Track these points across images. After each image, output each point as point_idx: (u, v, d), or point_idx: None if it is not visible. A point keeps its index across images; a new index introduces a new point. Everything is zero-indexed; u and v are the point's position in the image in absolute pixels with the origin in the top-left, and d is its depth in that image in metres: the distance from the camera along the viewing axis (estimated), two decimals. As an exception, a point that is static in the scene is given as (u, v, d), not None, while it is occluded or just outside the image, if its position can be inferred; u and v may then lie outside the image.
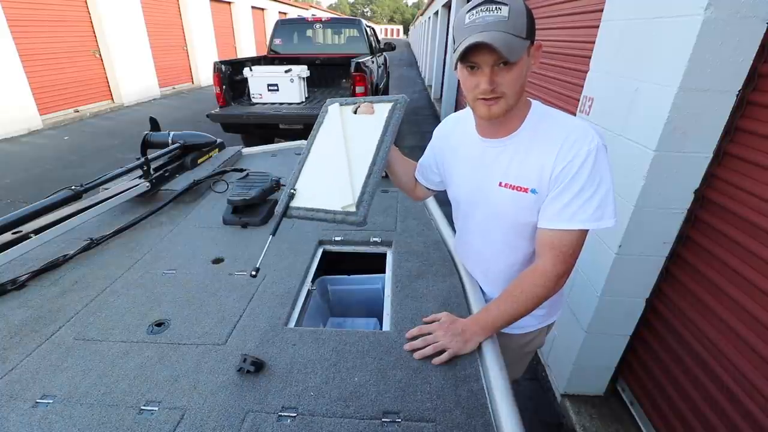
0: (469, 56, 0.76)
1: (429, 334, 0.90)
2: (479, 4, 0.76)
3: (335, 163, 1.01)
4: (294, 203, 1.01)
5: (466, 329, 0.89)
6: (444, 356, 0.84)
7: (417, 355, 0.86)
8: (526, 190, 0.87)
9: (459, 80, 0.87)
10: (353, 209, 0.94)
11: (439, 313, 0.96)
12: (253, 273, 0.93)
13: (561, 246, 0.85)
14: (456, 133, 1.04)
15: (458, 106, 7.71)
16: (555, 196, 0.84)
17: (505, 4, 0.74)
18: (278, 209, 1.01)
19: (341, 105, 1.11)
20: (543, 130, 0.86)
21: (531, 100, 0.90)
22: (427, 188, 1.19)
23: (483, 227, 1.01)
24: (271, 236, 0.98)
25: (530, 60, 0.81)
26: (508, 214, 0.93)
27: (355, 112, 1.08)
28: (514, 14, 0.74)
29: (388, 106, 1.05)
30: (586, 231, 0.85)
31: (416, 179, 1.19)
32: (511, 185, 0.89)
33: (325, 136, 1.08)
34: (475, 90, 0.80)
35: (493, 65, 0.76)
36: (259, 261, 0.95)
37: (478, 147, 0.95)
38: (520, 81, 0.79)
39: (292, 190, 1.02)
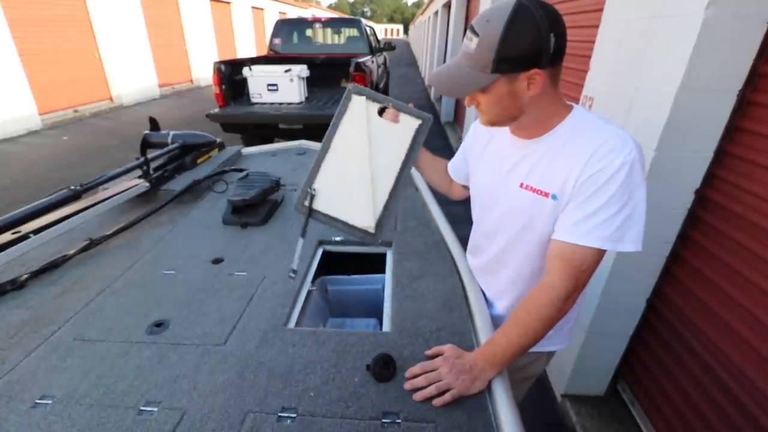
0: None
1: (432, 371, 0.80)
2: (469, 26, 0.78)
3: (356, 169, 1.00)
4: (315, 205, 1.00)
5: (473, 366, 0.79)
6: (447, 397, 0.75)
7: (418, 396, 0.76)
8: (546, 195, 0.83)
9: None
10: (372, 231, 0.98)
11: (444, 345, 0.86)
12: (292, 275, 0.99)
13: (573, 260, 0.78)
14: (491, 128, 0.99)
15: (458, 106, 7.71)
16: (576, 206, 0.78)
17: (478, 35, 0.74)
18: (298, 207, 1.01)
19: (367, 99, 1.02)
20: (579, 135, 0.81)
21: (573, 105, 0.85)
22: (463, 186, 1.16)
23: (495, 229, 0.98)
24: (301, 239, 1.00)
25: (519, 85, 0.76)
26: (522, 218, 0.88)
27: (380, 114, 1.02)
28: (480, 48, 0.73)
29: (415, 122, 1.01)
30: (604, 250, 0.78)
31: (451, 177, 1.18)
32: (532, 187, 0.85)
33: (347, 131, 1.03)
34: None
35: None
36: (296, 263, 0.99)
37: (509, 145, 0.92)
38: (499, 105, 0.80)
39: (311, 190, 1.00)
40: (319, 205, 1.01)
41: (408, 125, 1.01)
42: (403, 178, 1.00)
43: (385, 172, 1.00)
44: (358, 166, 1.00)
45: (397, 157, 1.01)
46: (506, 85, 0.77)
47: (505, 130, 0.94)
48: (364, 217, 0.98)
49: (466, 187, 1.16)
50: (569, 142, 0.81)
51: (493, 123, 0.86)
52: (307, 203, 1.00)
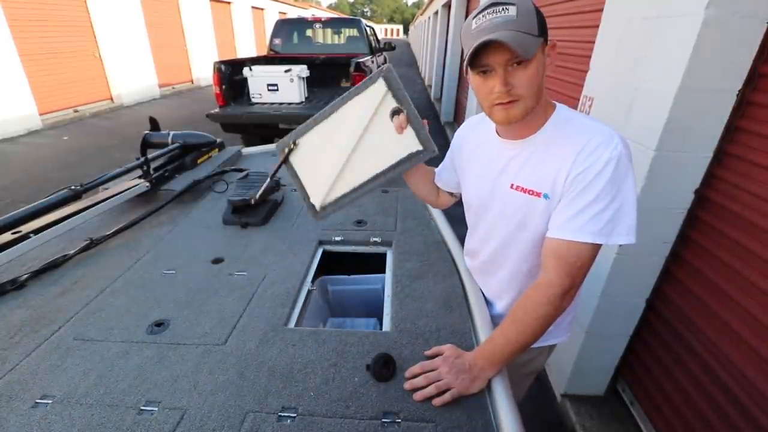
0: (480, 58, 0.74)
1: (432, 370, 0.81)
2: (485, 8, 0.74)
3: (337, 151, 1.00)
4: (291, 157, 1.06)
5: (473, 365, 0.80)
6: (446, 396, 0.76)
7: (418, 395, 0.77)
8: (538, 195, 0.83)
9: (472, 89, 0.84)
10: (317, 210, 1.06)
11: (443, 346, 0.87)
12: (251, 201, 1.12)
13: (567, 257, 0.78)
14: (477, 133, 1.00)
15: (458, 106, 7.70)
16: (566, 204, 0.79)
17: (513, 4, 0.72)
18: (279, 146, 1.07)
19: (389, 90, 0.96)
20: (565, 133, 0.81)
21: (556, 103, 0.87)
22: (450, 193, 1.15)
23: (489, 230, 0.99)
24: (269, 179, 1.22)
25: (546, 59, 0.78)
26: (516, 218, 0.89)
27: (392, 117, 0.96)
28: (523, 13, 0.72)
29: (415, 146, 0.95)
30: (598, 245, 0.78)
31: (437, 186, 1.16)
32: (522, 188, 0.86)
33: (352, 112, 0.99)
34: (490, 95, 0.77)
35: (506, 65, 0.74)
36: (258, 194, 1.29)
37: (496, 148, 0.92)
38: (537, 81, 0.76)
39: (293, 143, 1.05)
40: (294, 159, 1.07)
41: (407, 143, 0.96)
42: (368, 186, 0.99)
43: (359, 170, 1.00)
44: (340, 149, 1.00)
45: (378, 164, 0.98)
46: (542, 54, 0.76)
47: (491, 134, 0.94)
48: (315, 195, 1.06)
49: (453, 195, 1.16)
50: (555, 140, 0.82)
51: (527, 110, 0.78)
52: (286, 151, 1.06)
